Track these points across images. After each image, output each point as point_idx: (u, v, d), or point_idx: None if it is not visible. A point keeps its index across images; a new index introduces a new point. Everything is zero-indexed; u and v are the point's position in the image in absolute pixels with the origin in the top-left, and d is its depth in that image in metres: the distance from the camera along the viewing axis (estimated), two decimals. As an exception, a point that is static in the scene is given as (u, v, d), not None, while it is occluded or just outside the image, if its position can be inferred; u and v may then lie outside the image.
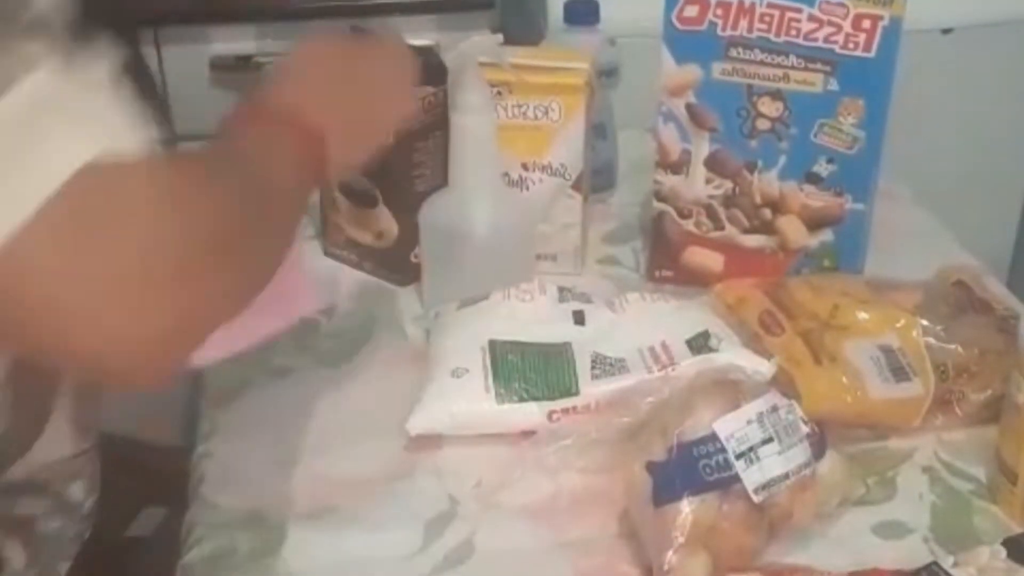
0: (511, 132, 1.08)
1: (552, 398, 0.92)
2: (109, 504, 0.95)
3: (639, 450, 0.83)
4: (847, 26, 1.02)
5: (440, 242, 1.06)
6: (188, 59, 1.61)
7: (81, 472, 0.90)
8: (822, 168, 1.07)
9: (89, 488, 0.91)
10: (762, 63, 1.05)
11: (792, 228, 1.10)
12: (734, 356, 0.94)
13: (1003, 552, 0.81)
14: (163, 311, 0.59)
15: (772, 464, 0.81)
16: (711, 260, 1.13)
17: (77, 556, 0.90)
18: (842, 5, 1.01)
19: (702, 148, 1.09)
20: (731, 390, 0.84)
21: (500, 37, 1.08)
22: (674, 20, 1.05)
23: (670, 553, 0.78)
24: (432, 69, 1.06)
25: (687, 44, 1.05)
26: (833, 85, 1.04)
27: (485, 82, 1.03)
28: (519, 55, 1.10)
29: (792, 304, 1.00)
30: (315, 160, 0.78)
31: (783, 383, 0.91)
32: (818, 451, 0.84)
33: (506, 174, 1.11)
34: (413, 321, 1.09)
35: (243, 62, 1.60)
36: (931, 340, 0.95)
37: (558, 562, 0.83)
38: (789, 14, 1.03)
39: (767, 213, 1.10)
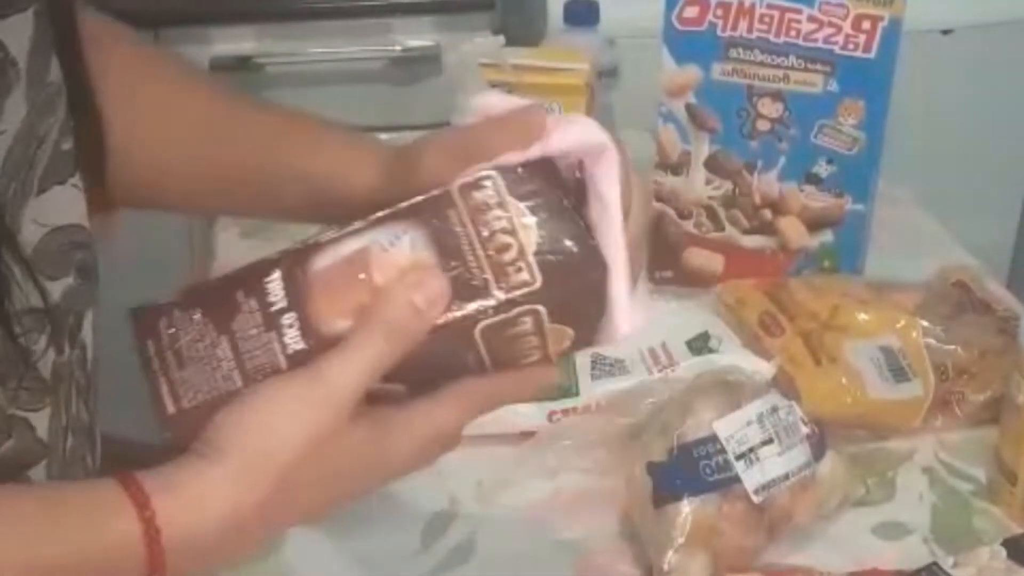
0: (511, 132, 1.07)
1: (552, 398, 0.92)
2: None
3: (639, 451, 0.83)
4: (847, 27, 1.02)
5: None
6: (188, 59, 1.61)
7: None
8: (822, 169, 1.07)
9: None
10: (762, 64, 1.05)
11: (792, 229, 1.10)
12: (734, 357, 0.94)
13: (1003, 552, 0.81)
14: None
15: (772, 465, 0.81)
16: (711, 261, 1.13)
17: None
18: (842, 6, 1.01)
19: (702, 149, 1.09)
20: (731, 391, 0.84)
21: (502, 39, 1.09)
22: (674, 20, 1.05)
23: (670, 553, 0.79)
24: None
25: (687, 44, 1.05)
26: (833, 86, 1.04)
27: (486, 84, 1.03)
28: (519, 56, 1.10)
29: (792, 305, 1.00)
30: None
31: (783, 384, 0.91)
32: (818, 452, 0.84)
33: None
34: (413, 321, 1.08)
35: (243, 62, 1.61)
36: (931, 341, 0.95)
37: (558, 562, 0.83)
38: (789, 15, 1.03)
39: (767, 214, 1.10)
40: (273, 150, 0.79)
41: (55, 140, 0.72)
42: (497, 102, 0.69)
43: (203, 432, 0.60)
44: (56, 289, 0.72)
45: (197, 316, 0.61)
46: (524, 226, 0.60)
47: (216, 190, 0.81)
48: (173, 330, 0.61)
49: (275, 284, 0.60)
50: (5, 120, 0.66)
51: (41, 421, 0.73)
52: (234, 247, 1.18)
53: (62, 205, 0.73)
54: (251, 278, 0.61)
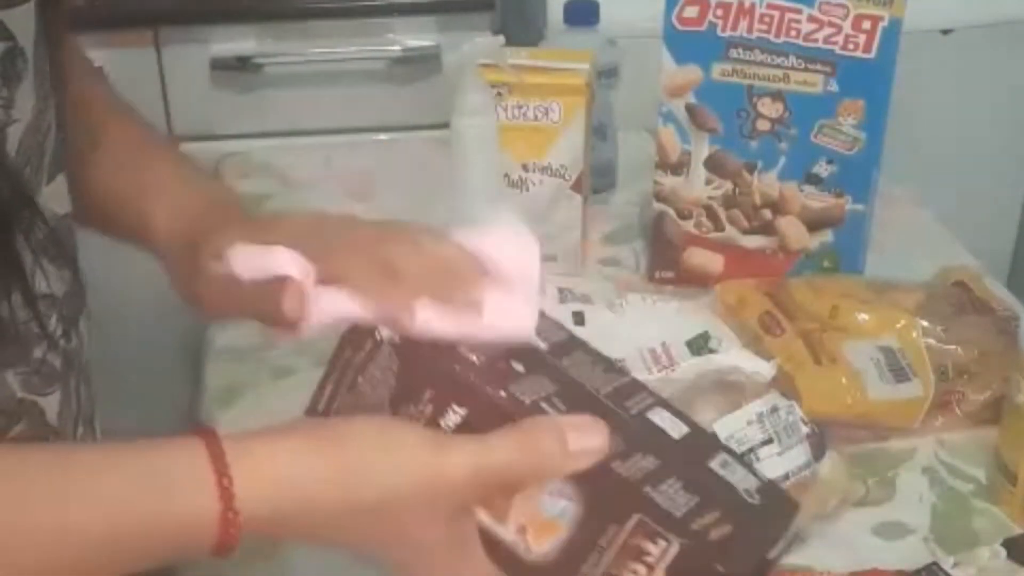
0: (511, 133, 1.07)
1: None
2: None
3: (639, 451, 0.83)
4: (847, 27, 1.02)
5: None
6: (188, 59, 1.61)
7: None
8: (822, 169, 1.07)
9: None
10: (762, 64, 1.05)
11: (792, 229, 1.10)
12: (734, 357, 0.94)
13: (1003, 552, 0.81)
14: None
15: (772, 465, 0.81)
16: (711, 261, 1.13)
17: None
18: (842, 6, 1.01)
19: (702, 149, 1.09)
20: (731, 391, 0.84)
21: (502, 39, 1.08)
22: (674, 20, 1.05)
23: (670, 554, 0.78)
24: None
25: (687, 44, 1.06)
26: (833, 86, 1.04)
27: (486, 84, 1.03)
28: (519, 56, 1.10)
29: (792, 305, 1.00)
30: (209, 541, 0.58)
31: (783, 384, 0.91)
32: (818, 452, 0.84)
33: (506, 175, 1.11)
34: (413, 321, 1.08)
35: (243, 62, 1.61)
36: (931, 341, 0.95)
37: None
38: (789, 15, 1.03)
39: (767, 214, 1.10)
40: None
41: (55, 130, 0.72)
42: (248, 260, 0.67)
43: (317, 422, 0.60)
44: (65, 277, 0.73)
45: (395, 366, 0.62)
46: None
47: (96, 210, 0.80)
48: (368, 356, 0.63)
49: (452, 418, 0.61)
50: (18, 108, 0.67)
51: (51, 406, 0.73)
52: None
53: (64, 194, 0.74)
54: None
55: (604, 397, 0.62)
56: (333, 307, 0.65)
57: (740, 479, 0.60)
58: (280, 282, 0.65)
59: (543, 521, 0.59)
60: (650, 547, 0.57)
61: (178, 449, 0.58)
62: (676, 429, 0.62)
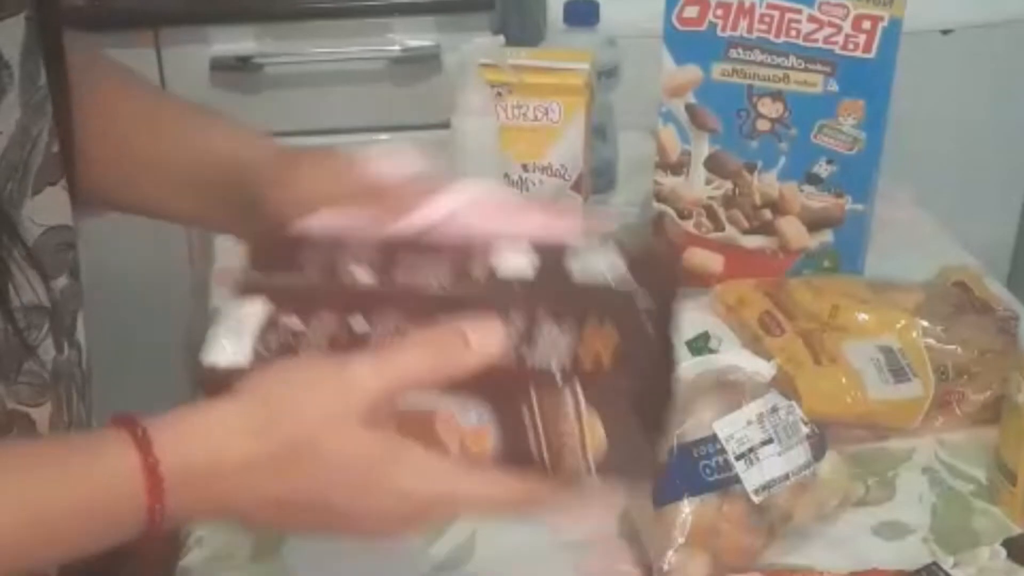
0: (511, 133, 1.08)
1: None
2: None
3: (639, 451, 0.83)
4: (847, 27, 1.02)
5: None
6: (188, 59, 1.61)
7: None
8: (822, 169, 1.07)
9: None
10: (762, 64, 1.05)
11: (792, 229, 1.10)
12: (734, 357, 0.94)
13: (1003, 552, 0.81)
14: None
15: (772, 465, 0.81)
16: (711, 261, 1.13)
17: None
18: (842, 6, 1.01)
19: (702, 149, 1.09)
20: (731, 391, 0.84)
21: (502, 39, 1.09)
22: (674, 20, 1.05)
23: (670, 553, 0.79)
24: None
25: (687, 44, 1.06)
26: (833, 86, 1.04)
27: (486, 84, 1.03)
28: (519, 56, 1.10)
29: (792, 305, 1.00)
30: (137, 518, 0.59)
31: (783, 384, 0.91)
32: (818, 452, 0.84)
33: (506, 175, 1.11)
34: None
35: (243, 62, 1.61)
36: (931, 341, 0.95)
37: (558, 562, 0.83)
38: (789, 15, 1.03)
39: (767, 214, 1.10)
40: (180, 138, 0.79)
41: (46, 142, 0.72)
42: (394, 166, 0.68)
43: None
44: (54, 288, 0.73)
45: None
46: (593, 437, 0.59)
47: (150, 183, 0.81)
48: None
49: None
50: (1, 122, 0.66)
51: (42, 416, 0.73)
52: (233, 253, 1.18)
53: (54, 206, 0.73)
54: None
55: (446, 289, 0.61)
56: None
57: (606, 267, 0.60)
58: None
59: (470, 431, 0.60)
60: (561, 404, 0.58)
61: (96, 432, 0.60)
62: (525, 264, 0.61)
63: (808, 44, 1.03)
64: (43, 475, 0.58)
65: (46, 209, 0.73)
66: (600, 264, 0.61)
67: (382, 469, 0.59)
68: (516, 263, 0.62)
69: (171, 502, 0.58)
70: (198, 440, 0.59)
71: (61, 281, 0.74)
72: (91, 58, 0.81)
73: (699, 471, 0.79)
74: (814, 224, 1.10)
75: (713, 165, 1.10)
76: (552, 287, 0.61)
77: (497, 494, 0.61)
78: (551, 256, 0.62)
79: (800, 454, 0.82)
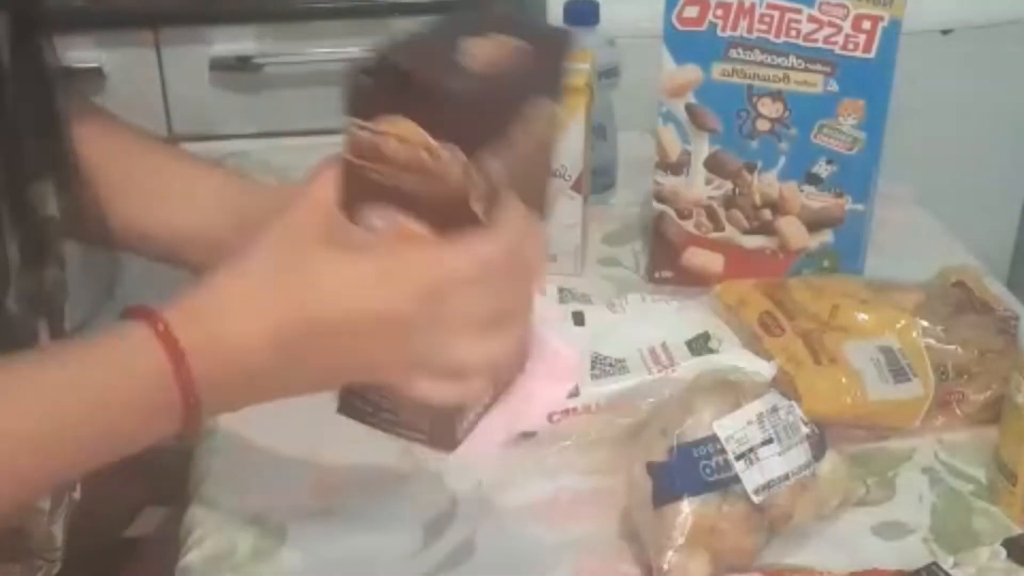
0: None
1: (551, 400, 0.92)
2: (109, 504, 0.94)
3: (639, 451, 0.83)
4: (847, 27, 1.02)
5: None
6: (188, 59, 1.61)
7: None
8: (822, 169, 1.07)
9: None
10: (762, 64, 1.05)
11: (792, 229, 1.10)
12: (734, 357, 0.94)
13: (1003, 552, 0.81)
14: None
15: (772, 465, 0.81)
16: (711, 261, 1.13)
17: (75, 556, 0.90)
18: (842, 6, 1.01)
19: (702, 149, 1.09)
20: (731, 391, 0.84)
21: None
22: (674, 20, 1.05)
23: (670, 553, 0.79)
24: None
25: (687, 44, 1.06)
26: (833, 86, 1.04)
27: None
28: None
29: (792, 305, 1.00)
30: (174, 412, 0.61)
31: (783, 384, 0.91)
32: (818, 452, 0.84)
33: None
34: (413, 321, 1.08)
35: (243, 62, 1.61)
36: (931, 341, 0.95)
37: (558, 562, 0.83)
38: (789, 15, 1.03)
39: (767, 214, 1.10)
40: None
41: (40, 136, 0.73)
42: None
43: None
44: (47, 278, 0.73)
45: None
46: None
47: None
48: None
49: None
50: None
51: None
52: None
53: (43, 197, 0.74)
54: None
55: None
56: None
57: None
58: None
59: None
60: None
61: (109, 327, 0.61)
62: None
63: (808, 44, 1.03)
64: (66, 374, 0.59)
65: (42, 199, 0.73)
66: None
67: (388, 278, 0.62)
68: None
69: (198, 373, 0.59)
70: (213, 312, 0.60)
71: (53, 271, 0.75)
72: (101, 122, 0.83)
73: (699, 471, 0.79)
74: (814, 224, 1.10)
75: (713, 165, 1.10)
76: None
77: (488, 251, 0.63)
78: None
79: (800, 454, 0.82)
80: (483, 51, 0.64)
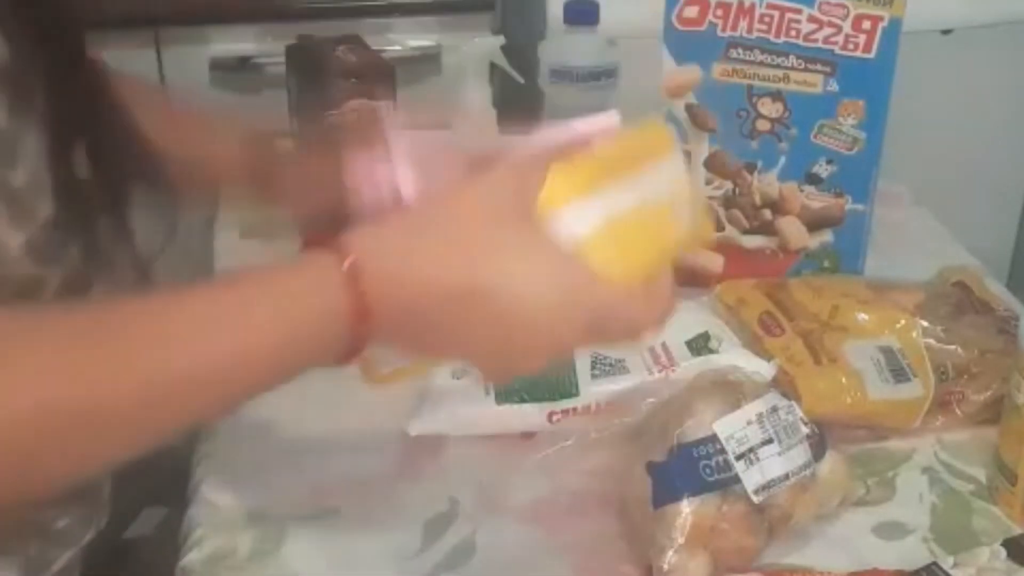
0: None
1: (552, 399, 0.92)
2: (108, 504, 0.95)
3: (639, 451, 0.83)
4: (847, 27, 1.02)
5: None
6: (188, 59, 1.61)
7: None
8: (822, 169, 1.07)
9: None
10: (762, 64, 1.05)
11: (792, 229, 1.10)
12: (734, 357, 0.94)
13: (1003, 552, 0.81)
14: None
15: (772, 465, 0.81)
16: (711, 261, 1.13)
17: (75, 556, 0.90)
18: (842, 6, 1.01)
19: (702, 149, 1.09)
20: (731, 391, 0.84)
21: (502, 39, 1.08)
22: (674, 20, 1.05)
23: (670, 553, 0.78)
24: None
25: (687, 44, 1.06)
26: (833, 86, 1.04)
27: (486, 83, 1.03)
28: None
29: (792, 305, 1.00)
30: (342, 341, 0.62)
31: (783, 384, 0.91)
32: (818, 452, 0.84)
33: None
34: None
35: (243, 62, 1.61)
36: (931, 341, 0.95)
37: (558, 562, 0.83)
38: (789, 15, 1.03)
39: (767, 214, 1.10)
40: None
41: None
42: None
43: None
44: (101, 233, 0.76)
45: None
46: None
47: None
48: None
49: None
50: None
51: None
52: (234, 247, 1.18)
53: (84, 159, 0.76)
54: None
55: None
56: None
57: None
58: None
59: None
60: None
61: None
62: None
63: (808, 44, 1.03)
64: (249, 294, 0.61)
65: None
66: None
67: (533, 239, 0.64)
68: None
69: (374, 300, 0.60)
70: (401, 248, 0.62)
71: (106, 227, 0.77)
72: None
73: (699, 471, 0.79)
74: (814, 224, 1.10)
75: (713, 165, 1.10)
76: None
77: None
78: None
79: (800, 454, 0.82)
80: None
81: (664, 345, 0.95)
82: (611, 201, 0.65)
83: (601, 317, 0.64)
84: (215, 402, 0.62)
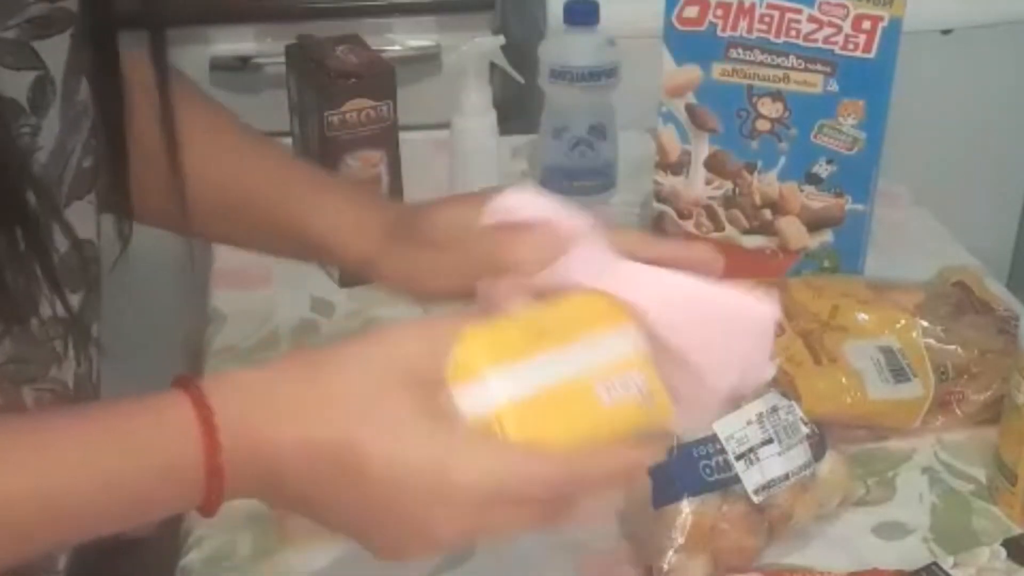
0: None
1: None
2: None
3: (639, 451, 0.83)
4: (847, 27, 1.02)
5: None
6: (188, 59, 1.61)
7: None
8: (822, 169, 1.07)
9: None
10: (762, 64, 1.05)
11: (792, 229, 1.10)
12: (734, 357, 0.94)
13: (1003, 552, 0.81)
14: None
15: (772, 465, 0.81)
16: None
17: (75, 556, 0.90)
18: (842, 6, 1.01)
19: (702, 149, 1.09)
20: (731, 391, 0.84)
21: (502, 39, 1.09)
22: (674, 20, 1.05)
23: (670, 553, 0.79)
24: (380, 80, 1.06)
25: (687, 44, 1.06)
26: (833, 86, 1.04)
27: (487, 83, 1.03)
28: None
29: (792, 305, 1.00)
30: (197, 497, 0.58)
31: (783, 384, 0.91)
32: (818, 452, 0.84)
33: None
34: (413, 321, 1.08)
35: (243, 62, 1.61)
36: (931, 341, 0.95)
37: (558, 562, 0.83)
38: (789, 15, 1.03)
39: (767, 214, 1.10)
40: (276, 202, 0.81)
41: (79, 157, 0.73)
42: (526, 202, 0.70)
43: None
44: (75, 300, 0.73)
45: None
46: None
47: (224, 219, 0.85)
48: None
49: None
50: (43, 137, 0.67)
51: None
52: (232, 254, 1.18)
53: (81, 220, 0.74)
54: None
55: None
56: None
57: None
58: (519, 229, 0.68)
59: None
60: None
61: (154, 395, 0.59)
62: None
63: (808, 44, 1.03)
64: (107, 440, 0.58)
65: (74, 223, 0.73)
66: None
67: (445, 459, 0.57)
68: None
69: (227, 452, 0.57)
70: (264, 404, 0.59)
71: (81, 294, 0.75)
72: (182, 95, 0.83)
73: (699, 471, 0.79)
74: (814, 224, 1.10)
75: (713, 165, 1.10)
76: None
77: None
78: None
79: (800, 454, 0.82)
80: None
81: (664, 345, 0.95)
82: (530, 373, 0.58)
83: (492, 504, 0.58)
84: (52, 535, 0.59)
